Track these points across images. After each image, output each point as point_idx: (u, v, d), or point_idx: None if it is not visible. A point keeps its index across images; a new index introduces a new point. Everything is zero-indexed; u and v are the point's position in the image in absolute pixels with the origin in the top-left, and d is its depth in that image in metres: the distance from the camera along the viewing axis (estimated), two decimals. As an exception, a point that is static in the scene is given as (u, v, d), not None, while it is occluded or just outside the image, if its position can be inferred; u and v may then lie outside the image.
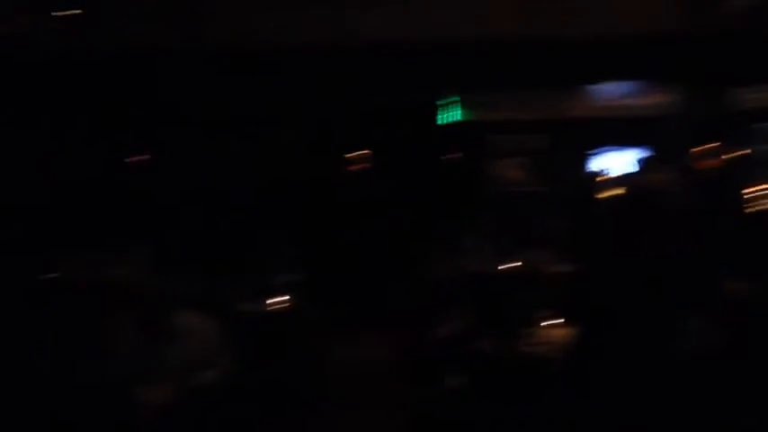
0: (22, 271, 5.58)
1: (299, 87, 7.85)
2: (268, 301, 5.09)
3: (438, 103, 9.55)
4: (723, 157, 5.99)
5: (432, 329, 4.29)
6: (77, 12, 6.71)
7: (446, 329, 4.28)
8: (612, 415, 3.13)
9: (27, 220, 6.53)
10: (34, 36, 6.62)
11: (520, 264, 6.67)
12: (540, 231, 7.23)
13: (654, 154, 8.99)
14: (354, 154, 8.88)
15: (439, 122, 9.70)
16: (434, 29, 7.39)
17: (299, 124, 8.82)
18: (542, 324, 4.36)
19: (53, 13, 6.67)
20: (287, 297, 5.13)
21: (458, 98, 9.45)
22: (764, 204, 7.08)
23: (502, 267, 6.70)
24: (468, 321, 4.32)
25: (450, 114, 9.82)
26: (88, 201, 7.13)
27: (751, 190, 7.15)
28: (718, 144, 6.10)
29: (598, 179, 8.91)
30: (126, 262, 6.05)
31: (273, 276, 5.49)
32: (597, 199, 8.61)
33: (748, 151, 8.36)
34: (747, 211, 6.65)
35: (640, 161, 9.50)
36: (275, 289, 5.27)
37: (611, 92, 8.68)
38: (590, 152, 9.96)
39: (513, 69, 7.83)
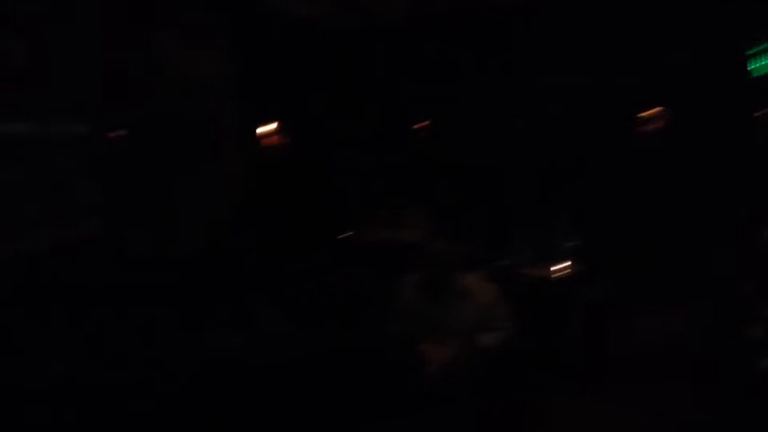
0: (317, 230, 6.10)
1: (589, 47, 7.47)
2: (550, 267, 4.94)
3: (748, 52, 8.40)
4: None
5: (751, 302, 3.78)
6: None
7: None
8: None
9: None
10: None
11: None
12: None
13: None
14: (647, 113, 8.19)
15: (750, 74, 8.54)
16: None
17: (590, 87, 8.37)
18: None
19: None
20: (568, 263, 4.92)
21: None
22: None
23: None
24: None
25: (763, 64, 8.61)
26: (379, 163, 7.51)
27: None
28: None
29: None
30: (413, 224, 6.33)
31: (555, 241, 5.32)
32: None
33: None
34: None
35: None
36: (557, 254, 5.10)
37: None
38: None
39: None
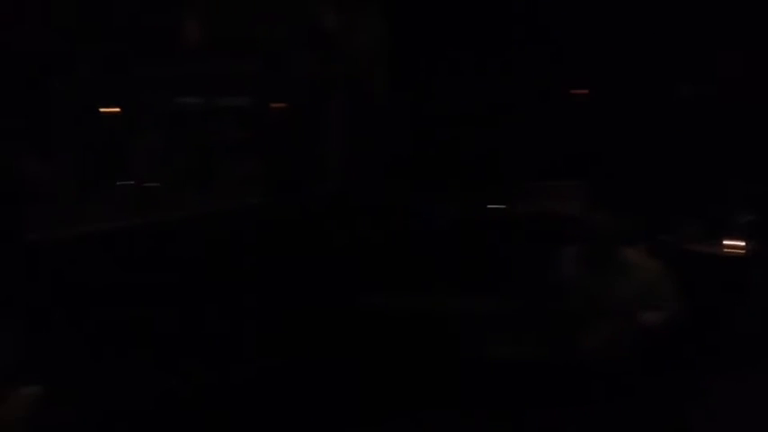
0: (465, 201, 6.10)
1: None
2: (724, 244, 4.63)
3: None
4: None
5: None
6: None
7: None
8: None
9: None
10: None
11: None
12: None
13: None
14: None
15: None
16: None
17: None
18: None
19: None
20: (743, 242, 4.58)
21: None
22: None
23: None
24: None
25: None
26: (538, 132, 7.35)
27: None
28: None
29: None
30: (572, 196, 6.17)
31: (729, 217, 4.98)
32: None
33: None
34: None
35: None
36: (731, 231, 4.77)
37: None
38: None
39: None
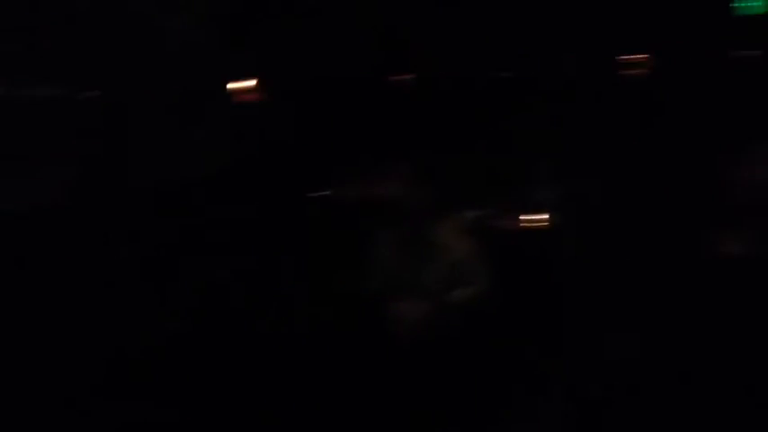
0: (291, 188, 5.96)
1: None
2: (526, 219, 4.81)
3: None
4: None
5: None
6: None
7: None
8: None
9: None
10: None
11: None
12: None
13: None
14: (631, 57, 7.97)
15: (735, 14, 8.33)
16: None
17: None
18: None
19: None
20: (546, 215, 4.79)
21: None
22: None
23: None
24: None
25: (750, 5, 8.40)
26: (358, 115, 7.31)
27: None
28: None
29: None
30: (389, 178, 6.18)
31: (533, 193, 5.18)
32: None
33: None
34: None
35: None
36: (534, 206, 4.96)
37: None
38: None
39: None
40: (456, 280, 3.43)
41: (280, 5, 7.16)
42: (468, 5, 7.45)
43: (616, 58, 7.80)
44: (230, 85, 6.92)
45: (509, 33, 7.49)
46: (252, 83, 6.95)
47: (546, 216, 4.82)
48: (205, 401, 3.59)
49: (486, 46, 7.75)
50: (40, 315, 4.04)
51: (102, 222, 4.88)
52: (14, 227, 4.69)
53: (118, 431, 3.49)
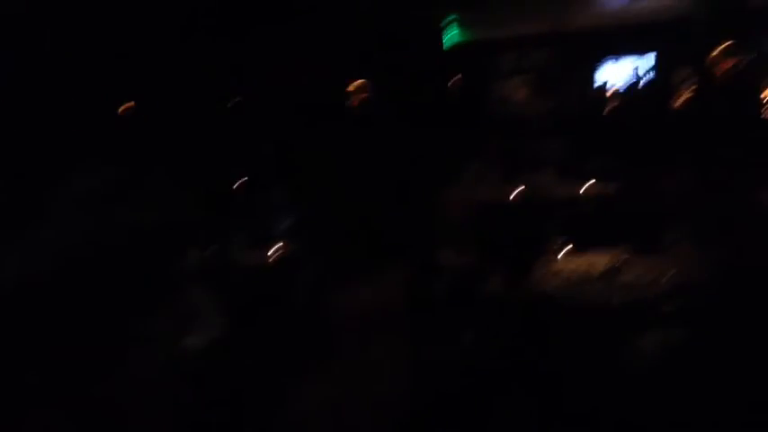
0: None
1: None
2: (264, 251, 4.81)
3: (438, 24, 9.00)
4: (739, 58, 5.53)
5: (438, 266, 4.03)
6: None
7: (454, 264, 4.02)
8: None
9: None
10: None
11: (527, 189, 6.36)
12: (547, 153, 6.89)
13: (665, 61, 8.50)
14: (353, 84, 8.40)
15: (440, 44, 9.17)
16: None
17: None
18: (554, 254, 4.09)
19: None
20: (280, 245, 4.84)
21: (456, 17, 8.91)
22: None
23: (510, 194, 6.40)
24: (477, 255, 4.05)
25: (450, 35, 9.30)
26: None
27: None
28: (732, 45, 5.62)
29: (607, 93, 8.49)
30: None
31: (267, 225, 5.22)
32: (605, 115, 8.22)
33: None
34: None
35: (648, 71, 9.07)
36: (270, 238, 4.99)
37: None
38: (597, 65, 9.47)
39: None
40: (191, 326, 3.30)
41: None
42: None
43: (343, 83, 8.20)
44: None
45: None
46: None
47: (281, 245, 4.86)
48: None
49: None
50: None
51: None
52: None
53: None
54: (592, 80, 9.33)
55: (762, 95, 6.46)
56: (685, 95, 6.93)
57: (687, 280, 3.59)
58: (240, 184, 6.32)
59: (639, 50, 9.14)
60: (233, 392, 3.75)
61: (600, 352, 3.35)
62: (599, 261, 3.89)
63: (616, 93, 8.51)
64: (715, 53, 5.60)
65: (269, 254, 4.75)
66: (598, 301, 3.41)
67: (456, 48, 9.64)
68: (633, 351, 3.30)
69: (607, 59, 9.40)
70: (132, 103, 7.67)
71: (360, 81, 8.27)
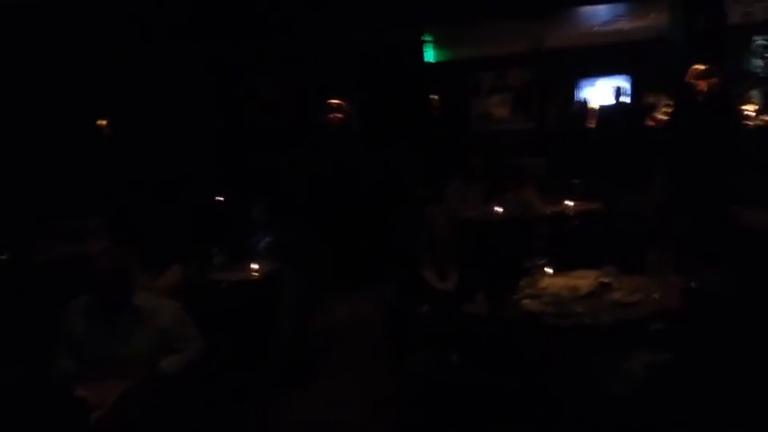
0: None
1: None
2: (243, 270, 4.73)
3: (416, 42, 9.01)
4: (718, 76, 5.60)
5: (421, 285, 3.95)
6: None
7: (436, 283, 3.95)
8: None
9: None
10: None
11: (509, 207, 6.36)
12: (529, 171, 6.89)
13: (643, 81, 8.59)
14: (332, 101, 8.38)
15: (419, 62, 9.18)
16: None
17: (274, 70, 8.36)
18: (539, 273, 4.05)
19: None
20: (260, 264, 4.75)
21: (432, 37, 8.93)
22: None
23: (492, 212, 6.39)
24: (460, 274, 3.98)
25: (428, 53, 9.33)
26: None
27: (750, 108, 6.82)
28: (712, 64, 5.70)
29: (586, 112, 8.55)
30: (87, 237, 5.69)
31: (247, 243, 5.13)
32: (585, 132, 8.26)
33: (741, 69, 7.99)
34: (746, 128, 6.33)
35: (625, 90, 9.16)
36: (250, 255, 4.90)
37: (596, 16, 8.20)
38: (577, 83, 9.55)
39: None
40: (161, 347, 3.17)
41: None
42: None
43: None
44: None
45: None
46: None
47: (264, 263, 4.78)
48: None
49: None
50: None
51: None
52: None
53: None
54: (571, 99, 9.41)
55: (738, 114, 6.54)
56: (663, 114, 6.99)
57: (672, 299, 3.55)
58: (219, 202, 6.25)
59: (618, 70, 9.25)
60: (212, 412, 3.66)
61: (586, 371, 3.31)
62: (584, 279, 3.84)
63: (594, 112, 8.57)
64: (692, 72, 5.66)
65: (250, 272, 4.67)
66: (584, 320, 3.35)
67: (436, 66, 9.69)
68: (620, 371, 3.25)
69: (586, 79, 9.51)
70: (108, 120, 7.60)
71: (338, 99, 8.26)
